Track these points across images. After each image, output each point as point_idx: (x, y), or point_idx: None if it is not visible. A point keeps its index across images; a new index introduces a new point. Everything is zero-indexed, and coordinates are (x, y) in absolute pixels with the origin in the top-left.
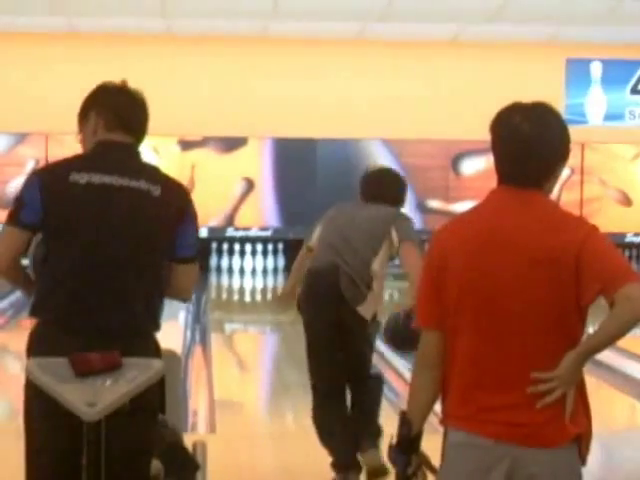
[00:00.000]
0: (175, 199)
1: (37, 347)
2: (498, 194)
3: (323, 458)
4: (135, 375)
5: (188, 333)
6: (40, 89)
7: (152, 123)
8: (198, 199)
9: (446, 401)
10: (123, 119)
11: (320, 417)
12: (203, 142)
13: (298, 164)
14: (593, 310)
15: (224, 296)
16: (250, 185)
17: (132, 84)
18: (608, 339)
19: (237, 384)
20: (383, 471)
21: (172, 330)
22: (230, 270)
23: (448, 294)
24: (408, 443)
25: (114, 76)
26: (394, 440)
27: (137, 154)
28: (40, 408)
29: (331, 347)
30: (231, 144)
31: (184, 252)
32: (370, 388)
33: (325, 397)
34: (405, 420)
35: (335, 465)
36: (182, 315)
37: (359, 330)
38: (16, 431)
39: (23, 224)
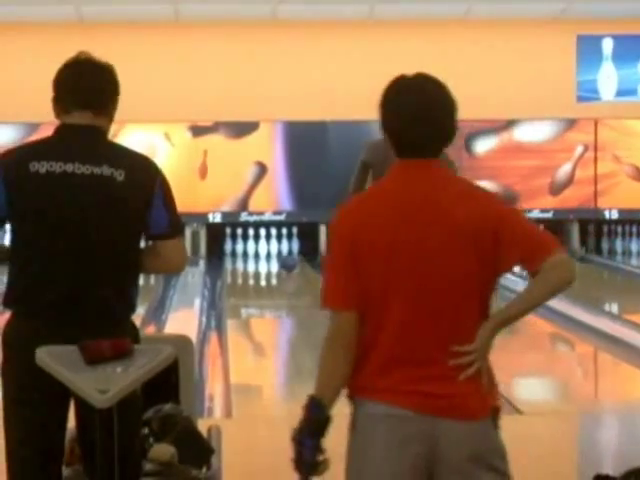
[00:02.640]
0: (141, 180)
1: (14, 336)
2: (401, 168)
3: (338, 442)
4: (145, 361)
5: (204, 319)
6: (51, 79)
7: (163, 109)
8: (211, 184)
9: (360, 375)
10: (76, 97)
11: None
12: (214, 127)
13: (310, 147)
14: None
15: (239, 281)
16: (262, 169)
17: (142, 71)
18: (533, 305)
19: (253, 369)
20: None
21: (188, 316)
22: (245, 255)
23: (370, 273)
24: (320, 427)
25: (124, 63)
26: (301, 424)
27: (98, 136)
28: (17, 398)
29: None
30: (242, 129)
31: (158, 230)
32: None
33: None
34: (317, 403)
35: None
36: (197, 301)
37: None
38: None
39: None
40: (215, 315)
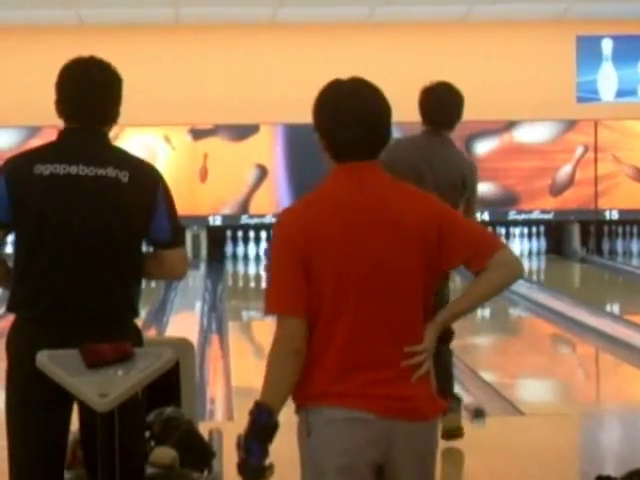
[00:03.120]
0: (145, 184)
1: (18, 341)
2: (343, 171)
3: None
4: (146, 365)
5: (205, 321)
6: (52, 82)
7: (163, 113)
8: (211, 187)
9: (313, 382)
10: (78, 116)
11: None
12: (214, 130)
13: (310, 149)
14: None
15: (240, 284)
16: (263, 172)
17: (142, 74)
18: (477, 303)
19: (254, 371)
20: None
21: (189, 319)
22: (246, 257)
23: (321, 277)
24: (268, 432)
25: (124, 67)
26: (248, 430)
27: (101, 138)
28: (22, 402)
29: None
30: (243, 131)
31: (160, 236)
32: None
33: None
34: (264, 408)
35: None
36: (198, 304)
37: None
38: None
39: None
40: (216, 318)
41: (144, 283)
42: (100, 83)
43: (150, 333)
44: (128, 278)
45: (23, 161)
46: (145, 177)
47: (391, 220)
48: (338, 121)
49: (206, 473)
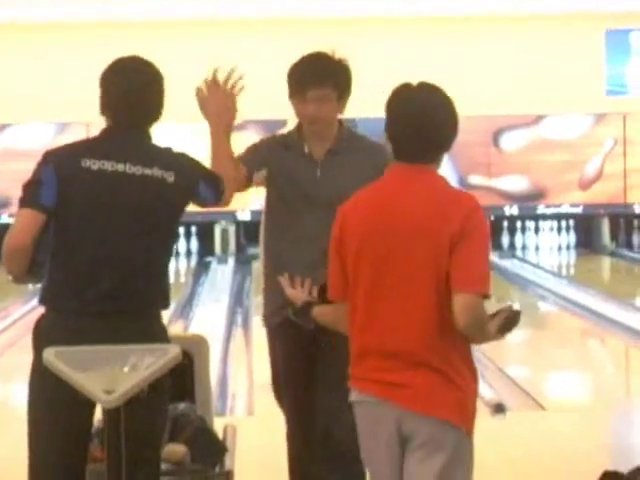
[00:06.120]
0: (188, 183)
1: (54, 335)
2: (393, 170)
3: None
4: (152, 361)
5: (230, 316)
6: (80, 78)
7: (193, 108)
8: None
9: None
10: (117, 109)
11: None
12: (244, 125)
13: None
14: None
15: None
16: None
17: (171, 70)
18: None
19: None
20: None
21: (214, 313)
22: None
23: (348, 265)
24: None
25: (158, 63)
26: None
27: (146, 138)
28: (47, 398)
29: None
30: (271, 127)
31: (207, 195)
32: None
33: None
34: None
35: None
36: (225, 298)
37: None
38: None
39: (43, 206)
40: (242, 313)
41: (172, 277)
42: (142, 85)
43: (176, 327)
44: (166, 272)
45: (70, 153)
46: (189, 177)
47: (407, 217)
48: (393, 122)
49: (218, 469)
